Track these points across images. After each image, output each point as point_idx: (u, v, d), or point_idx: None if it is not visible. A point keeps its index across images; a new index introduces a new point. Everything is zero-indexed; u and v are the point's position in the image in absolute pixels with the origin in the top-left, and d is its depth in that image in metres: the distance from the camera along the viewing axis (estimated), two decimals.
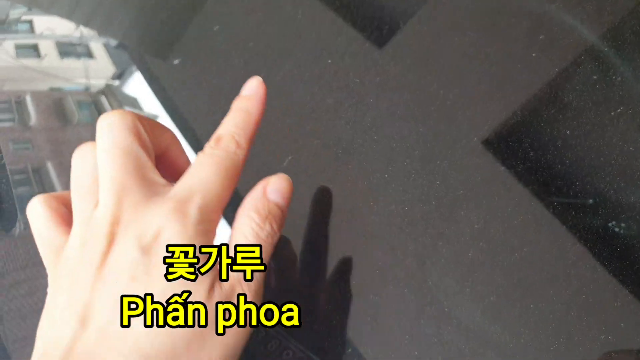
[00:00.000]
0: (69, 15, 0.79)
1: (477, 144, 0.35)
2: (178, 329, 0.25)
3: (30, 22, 0.97)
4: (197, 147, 0.50)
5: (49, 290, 0.29)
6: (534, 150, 0.33)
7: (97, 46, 0.78)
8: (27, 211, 0.31)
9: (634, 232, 0.30)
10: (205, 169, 0.28)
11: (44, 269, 0.30)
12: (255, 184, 0.43)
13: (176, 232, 0.26)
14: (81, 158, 0.29)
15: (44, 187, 0.63)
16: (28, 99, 0.76)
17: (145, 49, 0.63)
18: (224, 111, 0.47)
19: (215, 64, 0.49)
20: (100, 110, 0.67)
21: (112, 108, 0.67)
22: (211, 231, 0.28)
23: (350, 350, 0.37)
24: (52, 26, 0.87)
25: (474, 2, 0.37)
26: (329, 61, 0.41)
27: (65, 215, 0.30)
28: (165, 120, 0.54)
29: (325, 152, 0.40)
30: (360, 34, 0.41)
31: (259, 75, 0.45)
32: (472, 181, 0.34)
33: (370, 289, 0.36)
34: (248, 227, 0.28)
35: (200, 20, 0.51)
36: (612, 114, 0.32)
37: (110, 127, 0.28)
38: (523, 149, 0.33)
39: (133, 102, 0.64)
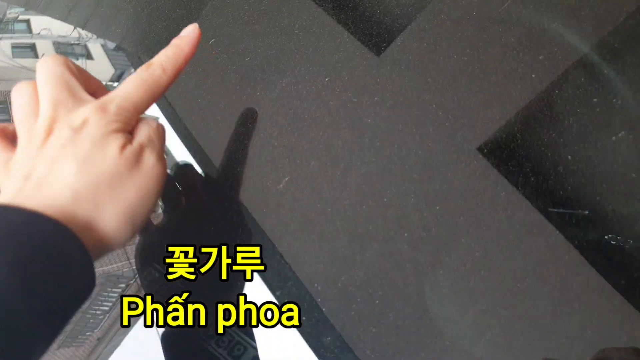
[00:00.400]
0: (64, 18, 0.78)
1: (477, 166, 0.34)
2: (102, 170, 0.32)
3: (27, 21, 0.97)
4: (193, 147, 0.49)
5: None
6: (535, 176, 0.33)
7: (95, 47, 0.78)
8: None
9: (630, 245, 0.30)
10: (129, 84, 0.36)
11: None
12: (251, 206, 0.42)
13: (98, 119, 0.33)
14: (20, 92, 0.36)
15: None
16: None
17: (143, 52, 0.62)
18: (219, 119, 0.47)
19: (211, 77, 0.48)
20: None
21: None
22: (127, 124, 0.35)
23: None
24: (49, 26, 0.87)
25: (471, 14, 0.36)
26: (327, 79, 0.41)
27: (7, 141, 0.37)
28: (162, 121, 0.53)
29: (323, 173, 0.39)
30: (358, 50, 0.40)
31: (255, 91, 0.44)
32: (472, 207, 0.34)
33: (370, 320, 0.36)
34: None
35: None
36: (613, 138, 0.31)
37: (46, 61, 0.36)
38: (524, 173, 0.33)
39: None
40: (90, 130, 0.33)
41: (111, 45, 0.72)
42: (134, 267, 0.46)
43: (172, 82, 0.37)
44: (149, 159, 0.34)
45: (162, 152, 0.36)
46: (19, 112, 0.35)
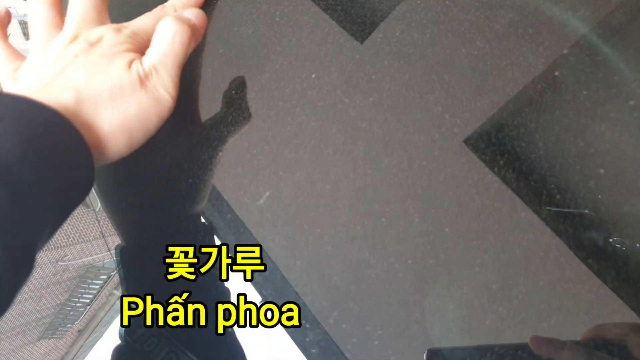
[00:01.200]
0: None
1: (469, 158, 0.29)
2: (106, 80, 0.34)
3: None
4: (188, 140, 0.44)
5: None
6: (533, 169, 0.28)
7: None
8: None
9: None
10: (143, 18, 0.39)
11: None
12: (227, 226, 0.38)
13: (112, 36, 0.36)
14: (38, 4, 0.40)
15: None
16: None
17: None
18: (188, 122, 0.41)
19: (194, 66, 0.42)
20: None
21: None
22: (138, 47, 0.37)
23: None
24: (14, 5, 0.81)
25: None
26: (313, 75, 0.35)
27: (14, 51, 0.41)
28: None
29: (310, 187, 0.34)
30: (349, 41, 0.35)
31: (230, 90, 0.39)
32: (464, 199, 0.29)
33: (367, 331, 0.31)
34: (161, 30, 0.37)
35: None
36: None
37: None
38: (520, 168, 0.28)
39: None
40: (103, 44, 0.36)
41: None
42: (115, 258, 0.46)
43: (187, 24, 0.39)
44: (155, 83, 0.35)
45: (174, 77, 0.36)
46: (37, 21, 0.39)
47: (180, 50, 0.36)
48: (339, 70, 0.35)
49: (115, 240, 0.56)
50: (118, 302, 0.52)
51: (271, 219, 0.35)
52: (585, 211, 0.27)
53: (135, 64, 0.35)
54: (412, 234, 0.31)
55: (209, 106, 0.40)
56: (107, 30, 0.37)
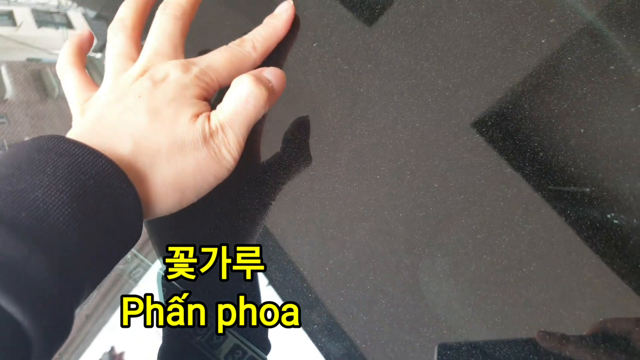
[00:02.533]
0: None
1: (480, 140, 0.31)
2: (167, 132, 0.32)
3: None
4: None
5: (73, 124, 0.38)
6: (544, 150, 0.30)
7: (76, 16, 0.75)
8: (59, 72, 0.41)
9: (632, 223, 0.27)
10: (218, 53, 0.37)
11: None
12: (243, 185, 0.39)
13: (177, 77, 0.34)
14: (116, 31, 0.39)
15: None
16: (3, 70, 0.73)
17: None
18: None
19: (195, 37, 0.45)
20: None
21: (94, 80, 0.64)
22: (205, 90, 0.35)
23: None
24: None
25: None
26: (315, 44, 0.37)
27: (87, 80, 0.40)
28: None
29: (311, 148, 0.36)
30: (349, 12, 0.36)
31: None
32: (473, 184, 0.31)
33: (361, 307, 0.33)
34: (236, 89, 0.34)
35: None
36: (632, 109, 0.28)
37: (169, 17, 0.37)
38: (531, 147, 0.30)
39: None
40: (169, 86, 0.34)
41: (92, 14, 0.69)
42: None
43: (260, 61, 0.38)
44: (219, 143, 0.33)
45: (240, 138, 0.34)
46: (112, 51, 0.38)
47: (253, 113, 0.34)
48: (339, 39, 0.37)
49: None
50: (126, 285, 0.53)
51: (273, 178, 0.37)
52: (585, 189, 0.28)
53: (202, 118, 0.33)
54: (403, 188, 0.33)
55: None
56: (174, 68, 0.34)
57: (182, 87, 0.34)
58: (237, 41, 0.37)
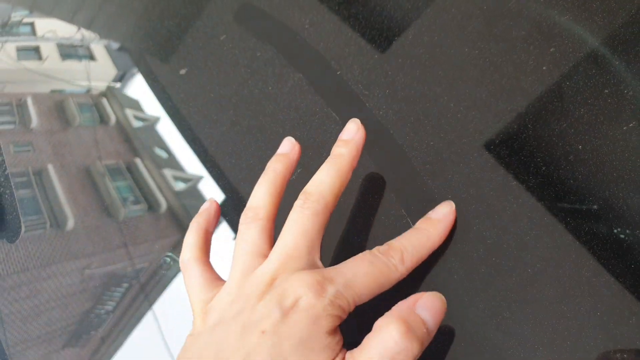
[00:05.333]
0: (70, 18, 0.78)
1: (486, 157, 0.34)
2: None
3: (31, 24, 0.96)
4: (199, 150, 0.49)
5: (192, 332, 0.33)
6: (546, 165, 0.33)
7: (98, 48, 0.78)
8: (182, 265, 0.37)
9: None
10: (359, 266, 0.31)
11: (44, 271, 0.31)
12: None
13: (310, 304, 0.29)
14: (249, 224, 0.34)
15: (45, 189, 0.62)
16: (29, 102, 0.75)
17: (147, 51, 0.62)
18: (226, 116, 0.47)
19: (223, 72, 0.48)
20: (101, 113, 0.66)
21: (114, 110, 0.67)
22: (339, 317, 0.30)
23: None
24: (54, 28, 0.86)
25: (481, 8, 0.36)
26: (338, 72, 0.41)
27: (213, 277, 0.36)
28: (166, 122, 0.53)
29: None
30: (368, 43, 0.40)
31: (267, 86, 0.44)
32: (482, 197, 0.34)
33: (375, 307, 0.36)
34: (382, 338, 0.28)
35: (206, 29, 0.51)
36: (624, 128, 0.32)
37: (308, 213, 0.32)
38: (535, 163, 0.33)
39: (134, 105, 0.63)
40: (297, 320, 0.28)
41: (115, 45, 0.73)
42: (136, 267, 0.47)
43: (404, 276, 0.32)
44: None
45: None
46: (242, 247, 0.34)
47: None
48: (360, 68, 0.40)
49: (137, 249, 0.58)
50: (141, 309, 0.53)
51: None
52: (594, 207, 0.31)
53: None
54: (421, 201, 0.36)
55: (249, 100, 0.46)
56: (307, 290, 0.29)
57: (313, 320, 0.28)
58: (383, 249, 0.32)
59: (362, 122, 0.36)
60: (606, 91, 0.32)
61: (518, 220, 0.33)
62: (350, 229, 0.38)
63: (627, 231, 0.30)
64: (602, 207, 0.31)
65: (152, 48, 0.61)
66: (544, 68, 0.34)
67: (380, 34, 0.41)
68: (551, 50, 0.34)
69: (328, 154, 0.35)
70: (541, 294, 0.31)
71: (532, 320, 0.31)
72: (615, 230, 0.30)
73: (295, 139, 0.38)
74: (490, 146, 0.34)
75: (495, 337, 0.32)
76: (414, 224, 0.34)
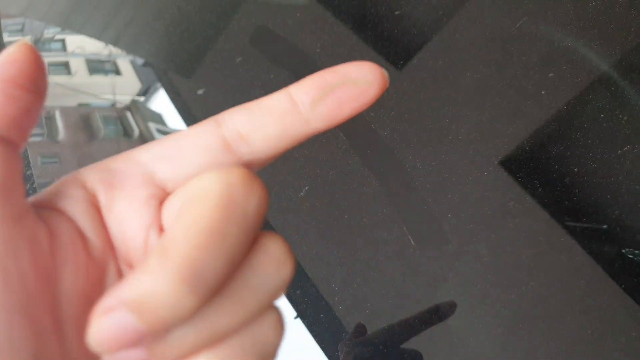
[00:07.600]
0: (99, 35, 0.81)
1: (488, 176, 0.36)
2: None
3: (62, 41, 0.99)
4: None
5: None
6: (542, 187, 0.34)
7: (124, 63, 0.80)
8: None
9: None
10: None
11: None
12: (271, 213, 0.44)
13: None
14: None
15: None
16: (57, 115, 0.78)
17: (170, 67, 0.65)
18: None
19: (239, 92, 0.51)
20: (125, 126, 0.69)
21: (137, 124, 0.69)
22: None
23: None
24: (83, 45, 0.89)
25: (485, 33, 0.38)
26: None
27: None
28: None
29: (341, 183, 0.41)
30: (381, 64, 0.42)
31: None
32: (483, 213, 0.35)
33: (381, 319, 0.37)
34: None
35: (223, 51, 0.53)
36: (619, 151, 0.33)
37: None
38: (532, 184, 0.34)
39: (157, 118, 0.66)
40: None
41: (140, 61, 0.75)
42: None
43: None
44: None
45: None
46: None
47: None
48: None
49: None
50: None
51: (309, 208, 0.42)
52: (603, 226, 0.32)
53: None
54: (423, 219, 0.37)
55: None
56: None
57: None
58: None
59: (367, 142, 0.38)
60: (602, 115, 0.33)
61: (515, 239, 0.34)
62: (356, 242, 0.40)
63: (614, 254, 0.31)
64: (595, 228, 0.32)
65: (173, 68, 0.63)
66: (542, 92, 0.35)
67: (388, 58, 0.43)
68: (550, 75, 0.35)
69: (334, 171, 0.36)
70: (531, 312, 0.32)
71: (531, 337, 0.32)
72: (604, 250, 0.31)
73: (302, 156, 0.40)
74: (489, 167, 0.36)
75: (496, 353, 0.33)
76: (415, 242, 0.36)
